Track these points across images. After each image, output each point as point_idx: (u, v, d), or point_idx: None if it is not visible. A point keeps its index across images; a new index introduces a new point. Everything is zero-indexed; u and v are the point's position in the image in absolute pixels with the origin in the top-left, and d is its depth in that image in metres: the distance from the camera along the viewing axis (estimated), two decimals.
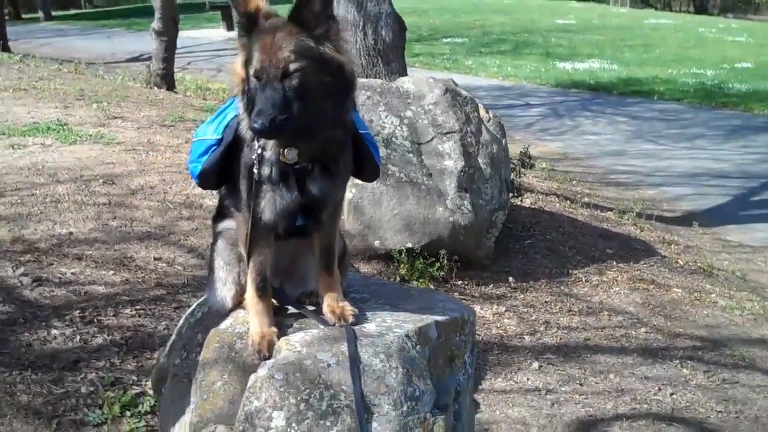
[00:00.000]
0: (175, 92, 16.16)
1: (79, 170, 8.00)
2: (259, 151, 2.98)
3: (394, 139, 7.33)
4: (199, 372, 3.19)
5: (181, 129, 10.57)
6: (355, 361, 2.93)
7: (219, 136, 3.16)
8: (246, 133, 3.04)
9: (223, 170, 3.20)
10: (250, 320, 3.19)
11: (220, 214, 3.45)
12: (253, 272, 3.17)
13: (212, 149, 3.18)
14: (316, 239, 3.26)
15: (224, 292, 3.37)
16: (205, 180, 3.29)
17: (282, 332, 3.16)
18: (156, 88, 15.88)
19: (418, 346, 3.13)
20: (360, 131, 3.23)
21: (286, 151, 2.94)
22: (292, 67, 2.77)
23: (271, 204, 3.03)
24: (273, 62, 2.77)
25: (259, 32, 2.86)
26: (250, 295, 3.20)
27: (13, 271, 5.74)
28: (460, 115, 7.67)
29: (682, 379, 6.23)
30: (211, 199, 7.25)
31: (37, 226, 6.57)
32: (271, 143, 2.97)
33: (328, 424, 2.81)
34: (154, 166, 8.53)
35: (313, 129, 2.88)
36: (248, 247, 3.13)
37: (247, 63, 2.88)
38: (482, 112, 8.11)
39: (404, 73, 9.23)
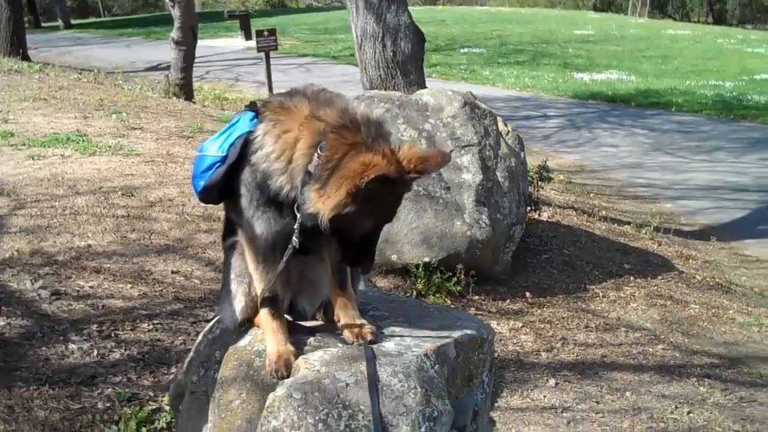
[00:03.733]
0: (194, 102, 16.26)
1: (99, 182, 8.04)
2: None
3: None
4: (217, 390, 3.18)
5: (200, 140, 10.49)
6: (373, 380, 2.91)
7: (223, 154, 3.13)
8: (253, 155, 3.00)
9: (224, 187, 3.20)
10: (266, 339, 3.15)
11: (228, 230, 3.44)
12: (263, 290, 3.14)
13: (216, 166, 3.16)
14: (325, 256, 3.24)
15: (234, 304, 3.33)
16: (207, 196, 3.28)
17: (300, 350, 3.13)
18: (174, 98, 15.97)
19: (436, 366, 3.11)
20: None
21: None
22: None
23: (267, 224, 3.02)
24: None
25: None
26: (263, 314, 3.16)
27: (32, 284, 5.77)
28: (479, 128, 7.65)
29: (699, 398, 6.18)
30: None
31: (56, 238, 6.60)
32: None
33: None
34: (173, 177, 8.57)
35: None
36: (254, 264, 3.13)
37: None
38: (501, 125, 8.10)
39: (423, 85, 9.24)
